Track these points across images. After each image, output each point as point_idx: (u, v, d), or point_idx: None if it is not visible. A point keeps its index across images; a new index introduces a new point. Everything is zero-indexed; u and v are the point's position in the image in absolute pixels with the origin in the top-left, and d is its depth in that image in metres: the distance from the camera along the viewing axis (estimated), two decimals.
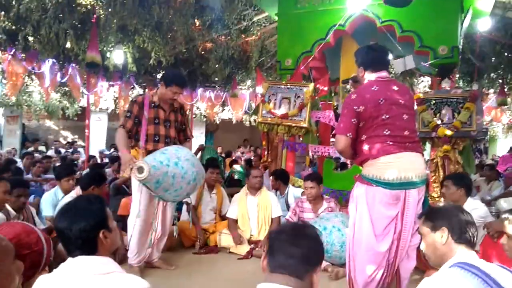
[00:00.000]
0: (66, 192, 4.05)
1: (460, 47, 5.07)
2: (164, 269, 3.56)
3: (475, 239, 1.73)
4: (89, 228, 1.49)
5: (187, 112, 10.76)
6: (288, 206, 4.56)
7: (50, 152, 10.16)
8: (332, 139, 6.18)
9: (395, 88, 2.51)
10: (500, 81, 8.62)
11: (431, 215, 1.81)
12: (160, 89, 3.41)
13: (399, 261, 2.50)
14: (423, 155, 2.53)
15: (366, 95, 2.46)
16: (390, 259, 2.46)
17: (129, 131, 3.33)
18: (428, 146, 5.06)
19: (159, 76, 9.77)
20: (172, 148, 3.21)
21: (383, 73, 2.56)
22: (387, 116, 2.42)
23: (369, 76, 2.58)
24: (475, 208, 3.30)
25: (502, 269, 1.53)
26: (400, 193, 2.38)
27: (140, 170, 2.88)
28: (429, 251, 1.80)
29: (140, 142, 3.32)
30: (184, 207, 4.49)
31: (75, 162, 8.31)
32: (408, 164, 2.39)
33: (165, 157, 3.01)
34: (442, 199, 4.13)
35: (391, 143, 2.40)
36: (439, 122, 4.62)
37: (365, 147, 2.46)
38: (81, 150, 10.39)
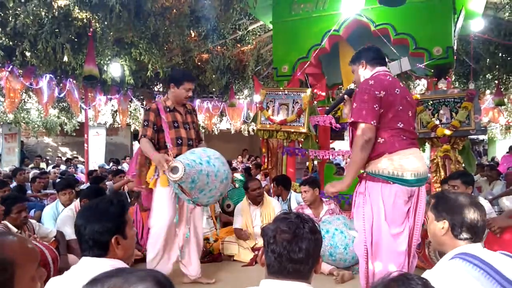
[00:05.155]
0: (65, 205, 4.07)
1: (455, 47, 5.10)
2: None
3: (480, 235, 1.67)
4: (101, 231, 1.47)
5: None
6: None
7: (49, 168, 10.12)
8: (331, 145, 6.18)
9: (401, 84, 2.48)
10: (496, 81, 8.65)
11: (439, 203, 1.77)
12: (172, 92, 3.34)
13: (411, 259, 2.43)
14: None
15: (384, 82, 2.33)
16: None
17: (151, 139, 3.21)
18: (427, 146, 5.04)
19: (156, 88, 9.82)
20: (199, 149, 3.15)
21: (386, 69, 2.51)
22: (400, 108, 2.33)
23: (369, 71, 2.51)
24: None
25: (507, 257, 1.51)
26: (415, 190, 2.33)
27: (175, 170, 2.77)
28: (431, 235, 1.80)
29: (168, 146, 3.19)
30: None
31: (74, 176, 8.28)
32: (420, 160, 2.35)
33: (196, 156, 2.93)
34: None
35: (404, 138, 2.32)
36: (437, 122, 4.64)
37: (379, 140, 2.31)
38: (80, 166, 10.34)
